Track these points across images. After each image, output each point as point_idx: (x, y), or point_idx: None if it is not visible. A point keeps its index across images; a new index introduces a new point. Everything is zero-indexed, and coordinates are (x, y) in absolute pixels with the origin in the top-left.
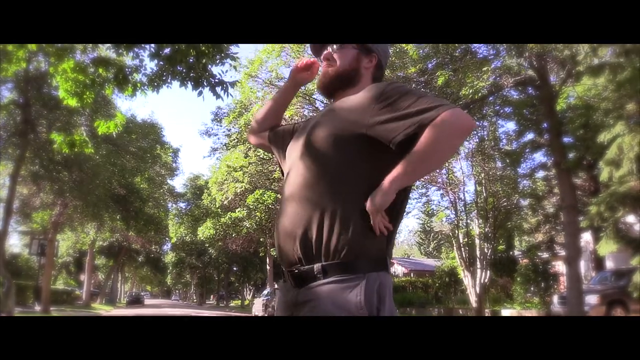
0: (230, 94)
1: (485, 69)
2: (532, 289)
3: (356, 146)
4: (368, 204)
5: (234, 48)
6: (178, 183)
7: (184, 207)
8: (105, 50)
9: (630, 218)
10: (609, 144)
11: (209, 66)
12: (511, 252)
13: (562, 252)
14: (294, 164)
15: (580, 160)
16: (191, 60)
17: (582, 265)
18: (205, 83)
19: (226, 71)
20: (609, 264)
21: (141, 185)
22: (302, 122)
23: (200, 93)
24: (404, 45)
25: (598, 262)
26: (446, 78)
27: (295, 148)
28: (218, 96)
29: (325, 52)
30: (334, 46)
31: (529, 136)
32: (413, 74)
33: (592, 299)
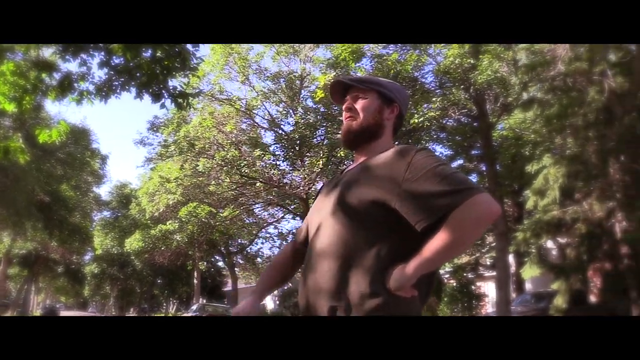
0: (190, 105)
1: (434, 99)
2: (457, 309)
3: (385, 215)
4: (391, 283)
5: (195, 60)
6: (104, 191)
7: (109, 215)
8: (51, 54)
9: (552, 244)
10: (536, 174)
11: (169, 80)
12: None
13: (487, 274)
14: (325, 219)
15: (510, 189)
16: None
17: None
18: (166, 95)
19: (187, 82)
20: (529, 287)
21: (67, 193)
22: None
23: (162, 105)
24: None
25: (519, 285)
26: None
27: (326, 203)
28: (180, 107)
29: (346, 102)
30: (355, 94)
31: (460, 161)
32: None
33: None
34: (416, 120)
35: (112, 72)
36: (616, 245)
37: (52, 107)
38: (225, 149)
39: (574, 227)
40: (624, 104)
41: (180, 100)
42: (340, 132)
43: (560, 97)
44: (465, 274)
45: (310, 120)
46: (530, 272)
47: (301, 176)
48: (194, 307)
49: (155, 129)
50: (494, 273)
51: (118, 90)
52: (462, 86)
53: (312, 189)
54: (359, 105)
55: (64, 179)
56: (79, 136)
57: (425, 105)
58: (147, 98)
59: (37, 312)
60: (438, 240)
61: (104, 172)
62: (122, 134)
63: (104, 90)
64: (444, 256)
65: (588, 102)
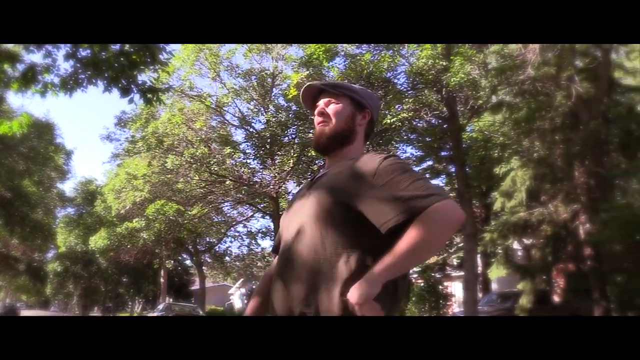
0: (160, 100)
1: (406, 100)
2: (425, 308)
3: (355, 221)
4: (351, 296)
5: (165, 55)
6: (68, 187)
7: (73, 212)
8: (14, 45)
9: (518, 246)
10: (504, 176)
11: (138, 74)
12: None
13: (454, 274)
14: (297, 226)
15: (479, 190)
16: (117, 65)
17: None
18: (135, 89)
19: (157, 77)
20: (494, 287)
21: (29, 189)
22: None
23: (131, 100)
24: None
25: (485, 285)
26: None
27: (298, 210)
28: (150, 102)
29: (319, 107)
30: (327, 99)
31: (429, 162)
32: None
33: None
34: (388, 121)
35: (78, 65)
36: (580, 246)
37: (14, 99)
38: (195, 146)
39: (540, 229)
40: (590, 108)
41: (149, 95)
42: (311, 132)
43: (528, 101)
44: (433, 274)
45: (282, 119)
46: (497, 273)
47: (271, 175)
48: (160, 307)
49: (122, 124)
50: (462, 273)
51: (84, 84)
52: (434, 88)
53: (282, 188)
54: (331, 110)
55: (26, 174)
56: (43, 130)
57: (397, 106)
58: (115, 92)
59: None
60: (403, 245)
61: (69, 167)
62: (88, 129)
63: (70, 83)
64: (409, 261)
65: (555, 107)
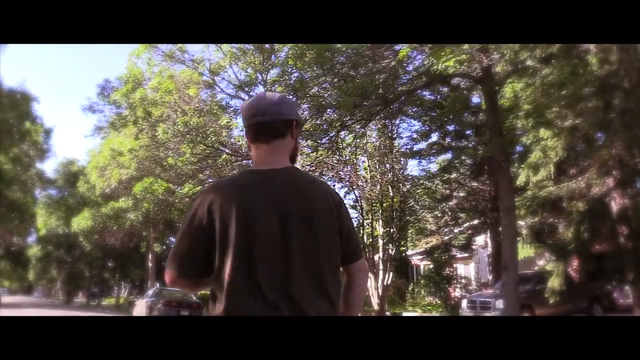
0: None
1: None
2: (433, 291)
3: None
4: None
5: None
6: (48, 167)
7: (54, 194)
8: None
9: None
10: (533, 146)
11: None
12: (404, 254)
13: (462, 255)
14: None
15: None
16: None
17: (481, 268)
18: None
19: None
20: None
21: (4, 166)
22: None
23: None
24: None
25: (495, 265)
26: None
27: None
28: None
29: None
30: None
31: (434, 138)
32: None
33: (501, 303)
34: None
35: None
36: (614, 224)
37: None
38: (188, 115)
39: (572, 204)
40: (631, 75)
41: None
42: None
43: (560, 65)
44: (441, 255)
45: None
46: (522, 252)
47: None
48: (150, 292)
49: (106, 94)
50: (465, 255)
51: None
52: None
53: None
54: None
55: (0, 150)
56: (17, 102)
57: (404, 76)
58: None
59: None
60: (358, 300)
61: (48, 146)
62: (67, 101)
63: None
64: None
65: (590, 71)
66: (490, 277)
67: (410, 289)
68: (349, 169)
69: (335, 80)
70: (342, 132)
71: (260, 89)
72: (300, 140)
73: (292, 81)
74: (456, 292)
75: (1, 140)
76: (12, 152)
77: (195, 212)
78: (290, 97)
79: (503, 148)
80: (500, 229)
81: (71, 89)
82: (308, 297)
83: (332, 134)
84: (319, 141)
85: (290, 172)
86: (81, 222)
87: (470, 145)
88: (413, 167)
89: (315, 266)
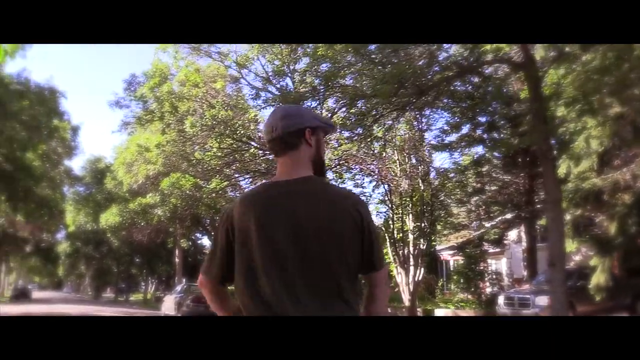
0: None
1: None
2: (467, 287)
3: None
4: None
5: None
6: (76, 165)
7: (82, 190)
8: None
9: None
10: (575, 136)
11: None
12: (433, 249)
13: (493, 250)
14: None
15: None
16: None
17: (513, 263)
18: None
19: None
20: (542, 262)
21: (33, 162)
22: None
23: None
24: None
25: (530, 261)
26: None
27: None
28: None
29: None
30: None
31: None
32: None
33: (541, 300)
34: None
35: None
36: None
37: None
38: (216, 108)
39: (616, 197)
40: None
41: None
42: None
43: (604, 51)
44: (474, 250)
45: (312, 79)
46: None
47: None
48: (178, 288)
49: (132, 89)
50: (497, 250)
51: None
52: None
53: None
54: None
55: (29, 146)
56: (45, 97)
57: (434, 67)
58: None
59: (8, 294)
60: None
61: (76, 143)
62: (94, 98)
63: None
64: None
65: (638, 55)
66: (524, 273)
67: (439, 284)
68: (378, 162)
69: (370, 67)
70: (373, 125)
71: (288, 81)
72: (337, 133)
73: (323, 70)
74: (490, 289)
75: (30, 137)
76: (40, 149)
77: (223, 221)
78: (307, 101)
79: (548, 137)
80: (544, 222)
81: (95, 86)
82: (319, 302)
83: (368, 124)
84: (354, 131)
85: (307, 182)
86: (109, 218)
87: (502, 137)
88: (444, 160)
89: (328, 274)
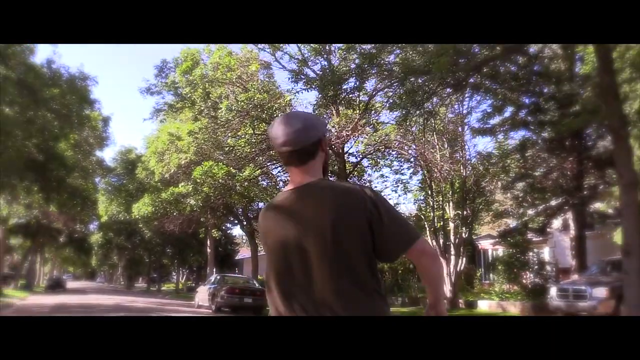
0: None
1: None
2: (512, 278)
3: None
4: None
5: None
6: (107, 156)
7: (114, 181)
8: None
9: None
10: None
11: None
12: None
13: (536, 239)
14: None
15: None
16: None
17: (557, 252)
18: None
19: None
20: (592, 251)
21: (66, 152)
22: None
23: None
24: None
25: (579, 251)
26: None
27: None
28: None
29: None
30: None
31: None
32: None
33: (599, 292)
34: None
35: None
36: None
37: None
38: (251, 91)
39: None
40: None
41: None
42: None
43: None
44: (518, 239)
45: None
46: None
47: (336, 127)
48: (212, 279)
49: (164, 75)
50: (539, 238)
51: None
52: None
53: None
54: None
55: (61, 135)
56: (76, 86)
57: (474, 48)
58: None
59: (43, 284)
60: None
61: (107, 134)
62: (125, 85)
63: None
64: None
65: None
66: (573, 263)
67: (477, 275)
68: (418, 147)
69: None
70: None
71: (324, 62)
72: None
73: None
74: (537, 280)
75: (62, 126)
76: (72, 139)
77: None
78: (349, 81)
79: (622, 114)
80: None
81: (125, 78)
82: (342, 299)
83: (419, 99)
84: (408, 108)
85: (319, 185)
86: (142, 208)
87: (548, 118)
88: (487, 144)
89: (348, 269)
